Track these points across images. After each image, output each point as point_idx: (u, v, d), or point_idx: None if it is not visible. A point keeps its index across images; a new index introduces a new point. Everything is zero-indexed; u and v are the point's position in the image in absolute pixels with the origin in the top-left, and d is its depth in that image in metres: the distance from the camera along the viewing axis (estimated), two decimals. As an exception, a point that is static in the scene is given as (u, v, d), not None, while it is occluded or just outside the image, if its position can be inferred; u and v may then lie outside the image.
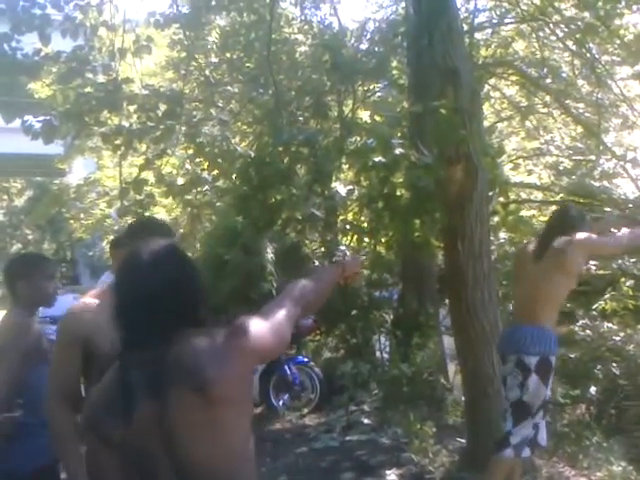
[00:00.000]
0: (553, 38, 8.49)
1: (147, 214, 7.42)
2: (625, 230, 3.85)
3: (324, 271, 2.13)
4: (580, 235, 3.72)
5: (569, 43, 8.23)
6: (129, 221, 10.99)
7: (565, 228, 3.81)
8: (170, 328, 1.51)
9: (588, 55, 7.75)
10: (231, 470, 1.49)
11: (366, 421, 6.12)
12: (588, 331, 6.24)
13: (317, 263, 8.31)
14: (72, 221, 15.21)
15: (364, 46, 8.64)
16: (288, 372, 6.87)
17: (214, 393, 1.44)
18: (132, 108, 6.52)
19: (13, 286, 2.79)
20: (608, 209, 7.14)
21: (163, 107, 6.51)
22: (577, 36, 7.61)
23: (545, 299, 3.79)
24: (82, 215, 14.13)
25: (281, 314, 1.70)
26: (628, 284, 6.36)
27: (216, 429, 1.46)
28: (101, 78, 6.55)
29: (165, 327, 1.50)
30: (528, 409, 3.69)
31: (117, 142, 6.51)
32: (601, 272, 6.71)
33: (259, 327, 1.59)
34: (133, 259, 1.62)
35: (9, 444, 2.56)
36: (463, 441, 5.08)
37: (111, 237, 11.02)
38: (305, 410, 6.94)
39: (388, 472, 4.89)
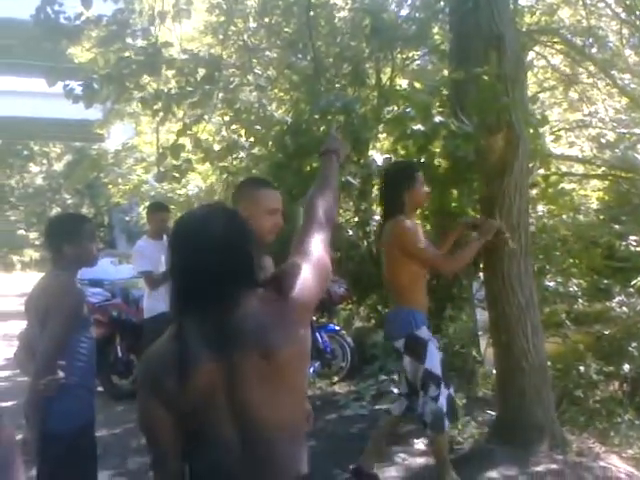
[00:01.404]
0: (601, 5, 8.20)
1: (184, 180, 7.50)
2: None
3: (325, 170, 2.04)
4: (401, 223, 3.68)
5: (618, 10, 7.93)
6: (165, 187, 11.12)
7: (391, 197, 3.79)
8: (230, 289, 1.53)
9: (638, 23, 7.46)
10: (290, 426, 1.54)
11: (396, 391, 6.14)
12: (624, 308, 6.14)
13: (351, 232, 8.29)
14: (110, 186, 15.39)
15: (405, 11, 8.46)
16: (320, 340, 6.93)
17: (278, 358, 1.48)
18: (171, 73, 6.54)
19: (59, 246, 2.81)
20: (652, 184, 6.95)
21: (201, 72, 6.51)
22: (627, 2, 7.32)
23: (396, 282, 3.81)
24: (120, 180, 14.28)
25: (317, 247, 1.69)
26: (669, 261, 6.21)
27: (279, 388, 1.51)
28: (141, 42, 6.58)
29: (225, 288, 1.53)
30: (414, 388, 3.74)
31: (156, 107, 6.55)
32: (641, 249, 6.57)
33: (307, 278, 1.60)
34: (188, 222, 1.63)
35: (49, 405, 2.63)
36: (493, 413, 5.07)
37: (148, 202, 11.16)
38: (335, 378, 7.01)
39: (416, 441, 4.93)
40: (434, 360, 3.71)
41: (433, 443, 3.93)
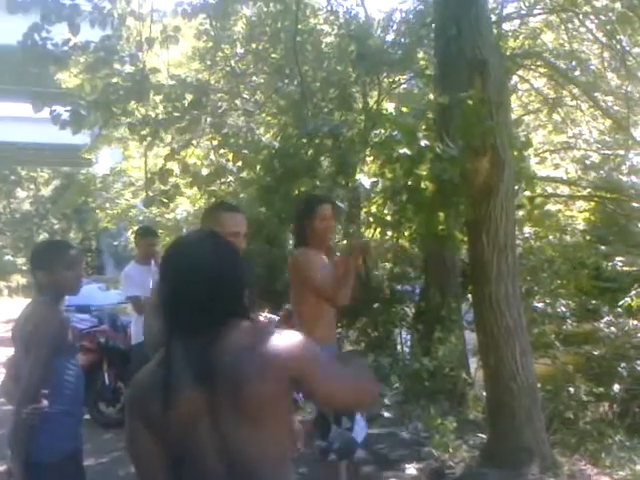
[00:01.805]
0: (582, 30, 8.36)
1: (172, 204, 7.51)
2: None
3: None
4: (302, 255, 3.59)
5: (599, 35, 8.08)
6: (153, 211, 11.12)
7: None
8: (215, 319, 1.52)
9: (618, 47, 7.61)
10: (274, 459, 1.52)
11: (386, 415, 6.10)
12: (613, 328, 6.17)
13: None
14: (98, 211, 15.38)
15: (390, 37, 8.58)
16: (309, 363, 6.88)
17: (253, 394, 1.46)
18: (158, 98, 6.56)
19: (49, 272, 2.79)
20: (636, 204, 7.03)
21: (189, 97, 6.54)
22: (607, 27, 7.47)
23: (299, 314, 3.70)
24: (108, 205, 14.28)
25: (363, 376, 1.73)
26: (656, 281, 6.26)
27: (258, 422, 1.48)
28: (128, 68, 6.60)
29: (210, 318, 1.52)
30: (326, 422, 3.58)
31: (143, 132, 6.56)
32: (628, 268, 6.63)
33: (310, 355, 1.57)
34: (177, 249, 1.64)
35: (35, 434, 2.60)
36: (484, 436, 5.04)
37: (136, 227, 11.13)
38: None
39: (408, 466, 4.88)
40: None
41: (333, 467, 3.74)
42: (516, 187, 4.76)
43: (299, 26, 7.92)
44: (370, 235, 7.66)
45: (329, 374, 1.59)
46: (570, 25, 8.32)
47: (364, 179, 5.21)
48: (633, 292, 6.44)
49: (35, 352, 2.60)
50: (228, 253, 1.63)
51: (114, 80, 6.45)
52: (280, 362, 1.48)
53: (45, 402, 2.57)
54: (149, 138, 6.71)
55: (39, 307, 2.73)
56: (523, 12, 8.73)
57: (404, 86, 8.80)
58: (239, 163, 7.10)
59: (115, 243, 18.48)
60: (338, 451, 3.58)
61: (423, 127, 4.62)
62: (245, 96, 9.16)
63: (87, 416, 6.28)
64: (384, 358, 6.97)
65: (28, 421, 2.53)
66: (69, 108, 6.14)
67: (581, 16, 7.83)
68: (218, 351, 1.49)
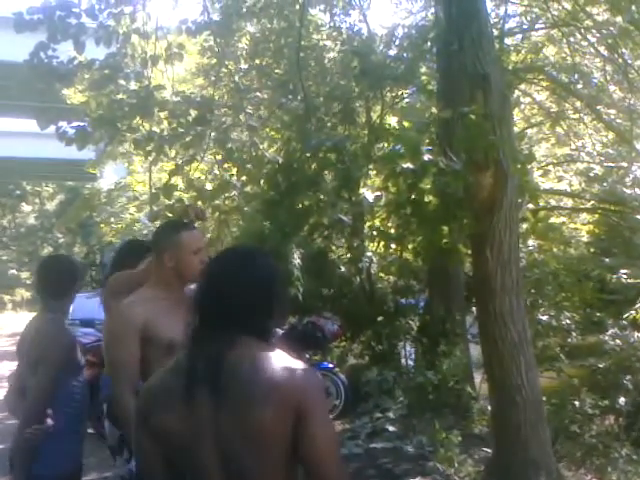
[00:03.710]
0: (584, 43, 8.40)
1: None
2: None
3: None
4: None
5: (601, 48, 8.13)
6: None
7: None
8: (236, 330, 1.54)
9: (620, 60, 7.65)
10: (277, 476, 1.51)
11: (391, 429, 6.08)
12: (618, 341, 6.15)
13: (343, 269, 8.31)
14: (102, 225, 15.44)
15: (393, 52, 8.64)
16: (313, 377, 6.87)
17: (255, 415, 1.46)
18: (163, 114, 6.61)
19: (62, 287, 2.80)
20: (639, 216, 7.04)
21: (193, 113, 6.59)
22: (609, 41, 7.51)
23: None
24: (112, 219, 14.35)
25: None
26: (660, 294, 6.25)
27: (254, 448, 1.48)
28: (133, 85, 6.66)
29: (232, 327, 1.53)
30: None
31: (148, 148, 6.60)
32: (632, 281, 6.61)
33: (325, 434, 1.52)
34: (227, 256, 1.69)
35: (37, 450, 2.59)
36: (489, 451, 5.02)
37: (140, 241, 11.15)
38: (330, 416, 6.93)
39: (412, 480, 4.86)
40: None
41: None
42: (520, 200, 4.78)
43: (302, 42, 7.99)
44: (374, 248, 7.68)
45: (326, 420, 1.58)
46: (572, 39, 8.37)
47: (368, 193, 5.23)
48: (638, 304, 6.43)
49: (43, 371, 2.59)
50: (274, 277, 1.65)
51: (119, 97, 6.51)
52: (286, 390, 1.48)
53: (49, 422, 2.56)
54: (154, 153, 6.75)
55: (48, 325, 2.73)
56: (525, 27, 8.80)
57: (407, 100, 8.85)
58: (243, 178, 7.13)
59: (119, 257, 18.49)
60: None
61: (426, 141, 4.65)
62: (249, 111, 9.21)
63: (90, 430, 6.28)
64: (388, 372, 6.95)
65: (30, 441, 2.53)
66: (75, 125, 6.19)
67: (583, 30, 7.88)
68: (231, 368, 1.49)
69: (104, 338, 3.25)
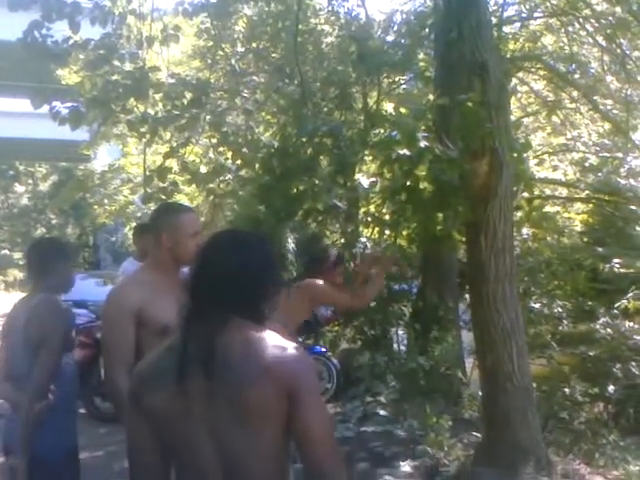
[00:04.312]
0: (583, 33, 8.38)
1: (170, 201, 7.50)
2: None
3: None
4: (318, 283, 3.81)
5: (599, 38, 8.12)
6: (152, 208, 11.11)
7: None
8: (228, 312, 1.54)
9: (618, 51, 7.64)
10: (269, 459, 1.53)
11: (382, 413, 6.13)
12: (609, 329, 6.21)
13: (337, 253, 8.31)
14: (96, 207, 15.38)
15: (391, 38, 8.59)
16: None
17: (244, 397, 1.47)
18: (158, 96, 6.56)
19: (49, 268, 2.80)
20: (634, 207, 7.06)
21: (189, 96, 6.54)
22: (607, 31, 7.50)
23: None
24: (106, 201, 14.28)
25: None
26: (652, 283, 6.29)
27: (247, 428, 1.49)
28: (128, 66, 6.60)
29: (224, 309, 1.54)
30: None
31: (142, 130, 6.56)
32: (624, 271, 6.66)
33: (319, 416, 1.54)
34: (220, 238, 1.69)
35: (36, 429, 2.61)
36: (479, 435, 5.08)
37: (134, 224, 11.12)
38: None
39: (403, 464, 4.91)
40: None
41: None
42: (515, 189, 4.79)
43: (300, 26, 7.93)
44: (368, 234, 7.68)
45: (319, 402, 1.59)
46: (570, 28, 8.35)
47: (363, 179, 5.21)
48: (630, 294, 6.48)
49: (49, 349, 2.61)
50: (267, 259, 1.66)
51: (114, 78, 6.45)
52: (278, 372, 1.49)
53: (51, 397, 2.59)
54: (148, 135, 6.70)
55: (48, 304, 2.73)
56: (524, 15, 8.76)
57: (404, 87, 8.82)
58: (238, 161, 7.10)
59: (112, 239, 18.46)
60: None
61: (423, 128, 4.63)
62: (245, 95, 9.16)
63: (82, 410, 6.32)
64: (380, 357, 6.99)
65: (39, 417, 2.55)
66: (69, 105, 6.14)
67: (581, 20, 7.86)
68: (223, 349, 1.50)
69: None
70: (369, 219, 5.76)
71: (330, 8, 9.59)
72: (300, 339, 6.81)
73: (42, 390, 2.59)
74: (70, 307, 2.90)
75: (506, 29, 8.29)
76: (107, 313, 2.56)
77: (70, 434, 2.84)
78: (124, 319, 2.44)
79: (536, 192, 6.31)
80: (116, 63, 6.53)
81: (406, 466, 4.84)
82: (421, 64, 7.21)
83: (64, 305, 2.82)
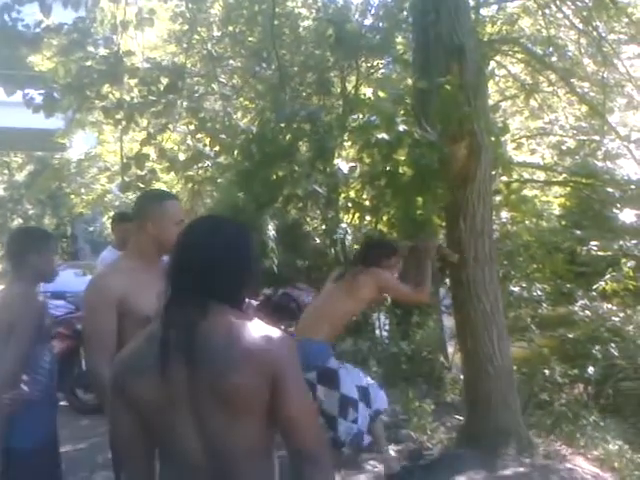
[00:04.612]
0: (560, 16, 8.37)
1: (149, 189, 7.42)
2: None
3: None
4: (384, 274, 4.00)
5: (575, 21, 8.12)
6: (130, 196, 10.99)
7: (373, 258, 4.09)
8: (208, 298, 1.53)
9: (595, 33, 7.65)
10: (254, 445, 1.52)
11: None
12: (587, 312, 6.28)
13: (318, 240, 8.30)
14: (73, 196, 15.17)
15: (369, 21, 8.54)
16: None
17: (227, 383, 1.46)
18: (133, 82, 6.44)
19: (23, 258, 2.76)
20: (610, 190, 7.12)
21: (165, 81, 6.44)
22: (584, 14, 7.51)
23: (326, 317, 4.01)
24: (83, 190, 14.09)
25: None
26: (629, 265, 6.37)
27: (231, 414, 1.48)
28: (102, 51, 6.48)
29: (204, 296, 1.53)
30: (331, 415, 3.83)
31: (118, 116, 6.45)
32: (602, 253, 6.72)
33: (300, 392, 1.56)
34: (198, 225, 1.68)
35: (11, 421, 2.57)
36: (461, 418, 5.11)
37: (112, 213, 10.98)
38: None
39: (387, 448, 4.93)
40: (348, 383, 3.88)
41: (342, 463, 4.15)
42: (493, 172, 4.79)
43: (277, 9, 7.84)
44: (349, 220, 7.66)
45: (302, 385, 1.59)
46: (547, 11, 8.33)
47: (342, 164, 5.19)
48: (607, 276, 6.54)
49: (17, 338, 2.58)
50: (245, 245, 1.65)
51: (88, 63, 6.32)
52: (260, 356, 1.48)
53: (25, 388, 2.55)
54: (124, 122, 6.59)
55: (18, 292, 2.70)
56: (501, -3, 8.73)
57: (382, 71, 8.77)
58: (216, 148, 7.02)
59: (90, 229, 18.25)
60: (350, 444, 3.90)
61: (401, 112, 4.61)
62: (222, 80, 9.07)
63: (64, 402, 6.25)
64: (363, 342, 7.01)
65: (9, 407, 2.52)
66: (42, 91, 6.01)
67: (558, 2, 7.84)
68: (204, 336, 1.49)
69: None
70: (349, 204, 5.74)
71: (307, -9, 9.49)
72: (282, 326, 6.80)
73: (11, 380, 2.55)
74: (44, 298, 2.85)
75: (484, 12, 8.27)
76: (88, 301, 2.51)
77: (48, 426, 2.80)
78: (106, 307, 2.40)
79: (514, 176, 6.33)
80: (90, 48, 6.40)
81: (390, 450, 4.86)
82: (399, 47, 7.17)
83: (36, 295, 2.77)
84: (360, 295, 4.02)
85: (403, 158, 4.51)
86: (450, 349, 6.63)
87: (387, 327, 7.62)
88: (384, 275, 4.05)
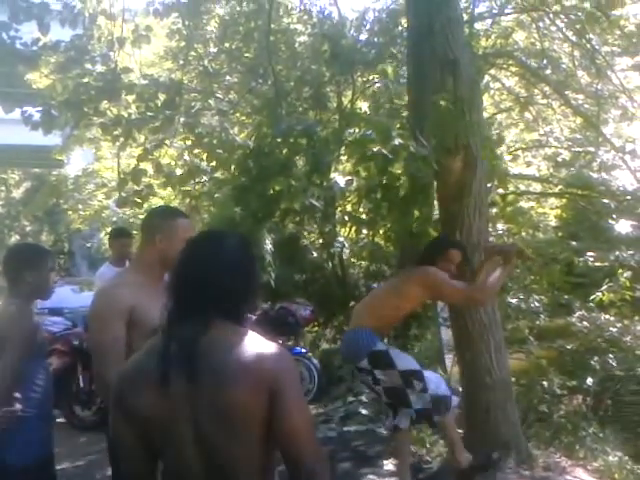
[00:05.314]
0: (553, 29, 8.46)
1: (145, 205, 7.44)
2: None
3: None
4: (432, 270, 3.93)
5: (569, 34, 8.20)
6: (127, 212, 10.99)
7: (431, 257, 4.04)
8: (210, 313, 1.54)
9: (588, 46, 7.72)
10: (253, 459, 1.52)
11: (364, 412, 6.14)
12: (585, 322, 6.27)
13: (315, 254, 8.31)
14: (70, 212, 15.15)
15: (364, 36, 8.60)
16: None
17: (227, 398, 1.46)
18: (131, 98, 6.49)
19: (19, 275, 2.76)
20: (606, 201, 7.15)
21: (162, 97, 6.48)
22: (577, 27, 7.58)
23: (373, 308, 4.07)
24: (80, 206, 14.07)
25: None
26: (626, 275, 6.37)
27: (230, 429, 1.48)
28: (100, 68, 6.53)
29: (206, 311, 1.54)
30: (400, 390, 3.85)
31: (116, 132, 6.49)
32: (599, 264, 6.73)
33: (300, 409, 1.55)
34: (200, 240, 1.69)
35: (6, 437, 2.56)
36: (460, 431, 5.09)
37: (109, 228, 10.98)
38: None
39: (385, 462, 4.92)
40: (402, 359, 3.89)
41: (442, 428, 4.18)
42: (489, 185, 4.82)
43: (272, 25, 7.91)
44: (346, 233, 7.68)
45: (300, 400, 1.58)
46: (541, 24, 8.41)
47: (339, 178, 5.21)
48: (604, 287, 6.55)
49: (9, 354, 2.57)
50: (247, 260, 1.67)
51: (85, 80, 6.36)
52: (260, 371, 1.48)
53: (18, 405, 2.54)
54: (122, 138, 6.63)
55: (10, 308, 2.71)
56: (495, 11, 8.81)
57: (378, 85, 8.83)
58: (213, 163, 7.05)
59: (88, 245, 18.22)
60: (436, 411, 3.86)
61: (397, 126, 4.65)
62: (219, 95, 9.12)
63: (62, 419, 6.23)
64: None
65: (2, 424, 2.51)
66: (40, 108, 6.05)
67: (551, 15, 7.92)
68: (205, 351, 1.49)
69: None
70: (346, 218, 5.76)
71: (302, 7, 9.58)
72: (280, 340, 6.79)
73: (4, 396, 2.54)
74: (39, 314, 2.85)
75: (477, 26, 8.33)
76: (97, 313, 2.50)
77: (44, 443, 2.78)
78: (115, 319, 2.39)
79: (510, 188, 6.36)
80: (87, 65, 6.46)
81: (389, 465, 4.84)
82: (394, 62, 7.22)
83: (31, 312, 2.78)
84: (407, 291, 3.97)
85: (399, 171, 4.54)
86: (448, 362, 6.62)
87: (385, 340, 7.61)
88: (432, 270, 3.94)
